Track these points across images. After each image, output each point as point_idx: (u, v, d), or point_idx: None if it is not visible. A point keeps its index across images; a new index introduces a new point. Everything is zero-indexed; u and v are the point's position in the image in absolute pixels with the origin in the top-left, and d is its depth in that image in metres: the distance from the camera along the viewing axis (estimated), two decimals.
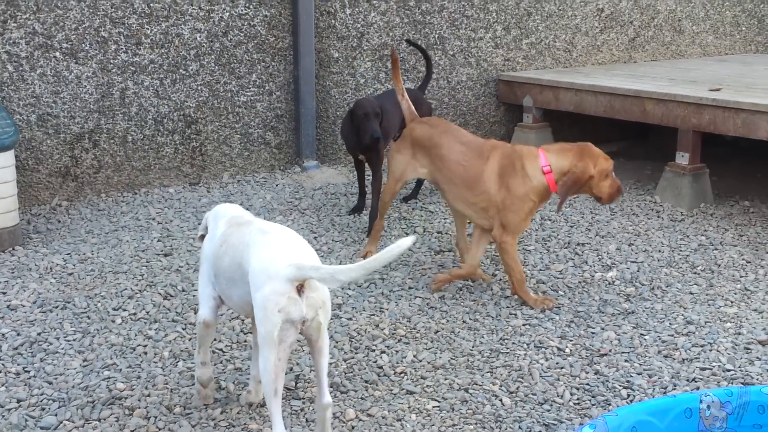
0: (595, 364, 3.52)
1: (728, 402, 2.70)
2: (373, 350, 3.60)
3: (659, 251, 4.77)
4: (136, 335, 3.70)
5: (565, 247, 4.82)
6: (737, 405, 2.70)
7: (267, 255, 2.70)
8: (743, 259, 4.64)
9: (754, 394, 2.71)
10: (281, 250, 2.70)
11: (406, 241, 2.60)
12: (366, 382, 3.35)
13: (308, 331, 2.71)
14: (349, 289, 4.19)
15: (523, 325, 3.88)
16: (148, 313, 3.91)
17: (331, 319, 3.86)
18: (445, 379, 3.38)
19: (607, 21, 7.36)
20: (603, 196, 3.97)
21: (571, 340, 3.73)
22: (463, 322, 3.90)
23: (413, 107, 4.45)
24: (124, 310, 3.94)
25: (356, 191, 5.57)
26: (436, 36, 6.59)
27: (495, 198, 3.99)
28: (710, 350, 3.61)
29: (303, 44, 5.95)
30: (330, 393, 2.80)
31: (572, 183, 3.91)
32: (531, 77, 6.69)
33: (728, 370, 3.44)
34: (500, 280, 4.34)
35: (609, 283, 4.34)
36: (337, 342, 3.65)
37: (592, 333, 3.79)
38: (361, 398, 3.24)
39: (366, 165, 5.20)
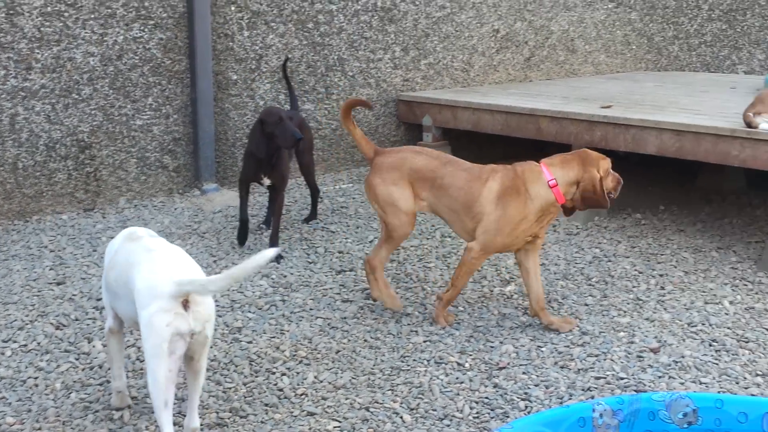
0: (494, 377, 3.56)
1: (620, 410, 2.76)
2: (274, 373, 3.57)
3: (555, 264, 4.87)
4: (26, 367, 3.59)
5: None
6: (628, 412, 2.76)
7: (151, 274, 2.76)
8: (635, 270, 4.76)
9: (645, 401, 2.78)
10: (164, 268, 2.77)
11: (269, 253, 2.70)
12: (266, 405, 3.32)
13: (193, 346, 2.77)
14: (250, 311, 4.15)
15: (424, 341, 3.90)
16: (39, 344, 3.79)
17: (231, 342, 3.82)
18: (346, 399, 3.37)
19: (502, 41, 7.51)
20: (612, 192, 3.95)
21: (470, 355, 3.76)
22: (365, 341, 3.90)
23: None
24: (14, 341, 3.81)
25: (258, 213, 5.53)
26: (336, 57, 6.61)
27: (488, 218, 3.89)
28: (604, 359, 3.69)
29: (200, 67, 5.90)
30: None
31: (589, 194, 3.88)
32: (430, 97, 6.77)
33: (621, 378, 3.52)
34: (408, 299, 4.36)
35: (507, 298, 4.40)
36: (236, 366, 3.61)
37: (491, 347, 3.84)
38: (261, 422, 3.20)
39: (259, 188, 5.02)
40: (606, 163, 3.95)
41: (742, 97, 6.06)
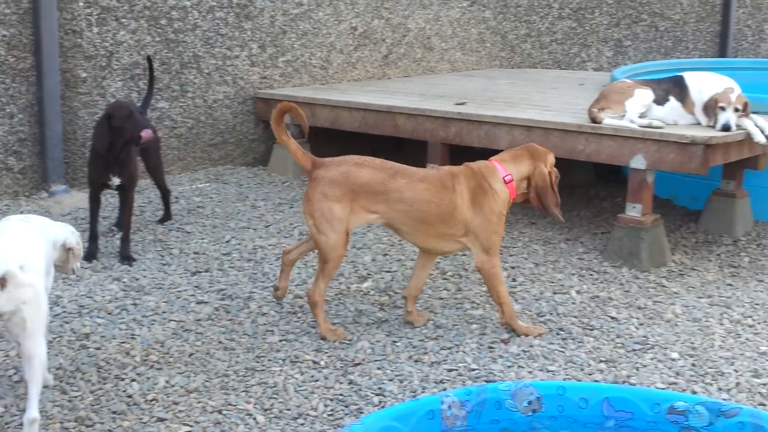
0: (349, 374, 3.57)
1: (467, 401, 2.80)
2: (123, 379, 3.48)
3: (412, 260, 4.91)
4: None
5: None
6: (476, 403, 2.81)
7: None
8: None
9: (491, 391, 2.84)
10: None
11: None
12: (114, 413, 3.22)
13: (13, 328, 2.78)
14: (99, 317, 4.03)
15: (280, 341, 3.87)
16: None
17: (78, 349, 3.70)
18: (198, 403, 3.32)
19: (360, 39, 7.54)
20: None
21: (326, 353, 3.76)
22: (219, 342, 3.84)
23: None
24: None
25: (110, 215, 5.38)
26: (191, 54, 6.50)
27: (473, 224, 3.84)
28: (457, 352, 3.75)
29: (46, 64, 5.69)
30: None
31: (542, 190, 3.89)
32: (288, 94, 6.73)
33: (473, 370, 3.59)
34: (265, 298, 4.32)
35: (364, 294, 4.43)
36: (83, 373, 3.50)
37: (347, 344, 3.85)
38: (108, 430, 3.11)
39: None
40: (551, 157, 3.99)
41: (590, 94, 6.27)
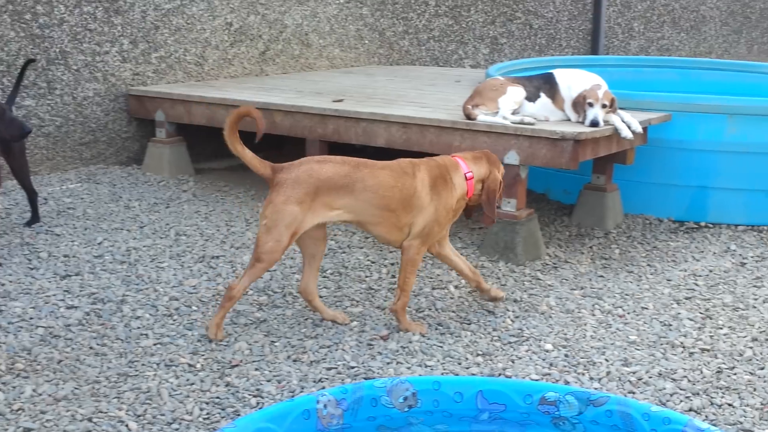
0: (226, 376, 3.51)
1: (343, 399, 2.79)
2: None
3: (291, 258, 4.88)
4: None
5: (200, 261, 4.78)
6: (352, 401, 2.80)
7: None
8: (368, 260, 4.87)
9: (367, 388, 2.84)
10: None
11: None
12: None
13: None
14: None
15: (155, 344, 3.78)
16: None
17: None
18: (68, 411, 3.20)
19: (236, 35, 7.44)
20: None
21: (203, 355, 3.69)
22: (90, 348, 3.72)
23: None
24: None
25: None
26: (57, 50, 6.28)
27: (427, 210, 3.85)
28: (336, 350, 3.73)
29: None
30: None
31: (494, 191, 3.97)
32: (162, 91, 6.59)
33: (352, 368, 3.58)
34: (139, 301, 4.20)
35: (243, 294, 4.36)
36: None
37: (225, 345, 3.78)
38: None
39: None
40: (502, 168, 4.11)
41: (466, 90, 6.34)
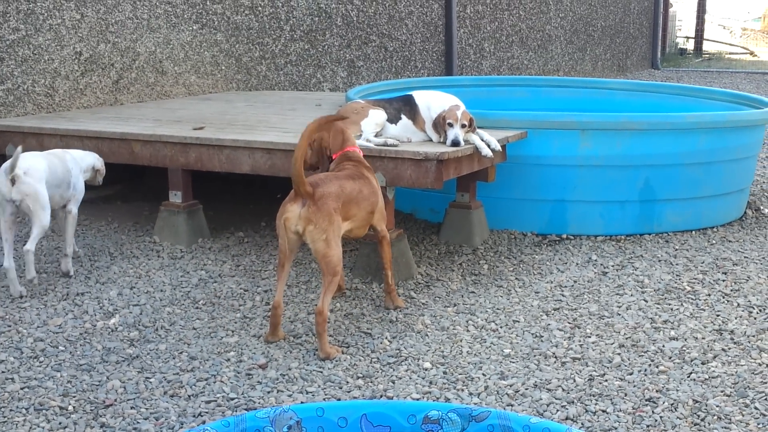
0: (100, 416, 3.39)
1: None
2: None
3: (161, 291, 4.77)
4: None
5: (64, 299, 4.61)
6: None
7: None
8: (241, 288, 4.81)
9: (250, 420, 2.78)
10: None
11: None
12: None
13: (25, 211, 4.65)
14: None
15: (22, 389, 3.61)
16: None
17: None
18: None
19: (87, 64, 7.23)
20: None
21: (74, 396, 3.55)
22: None
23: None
24: None
25: None
26: None
27: (381, 204, 4.42)
28: (214, 382, 3.67)
29: None
30: None
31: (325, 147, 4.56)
32: (11, 125, 6.32)
33: (232, 399, 3.52)
34: (1, 344, 4.00)
35: (112, 330, 4.23)
36: None
37: (97, 385, 3.65)
38: None
39: None
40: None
41: (327, 113, 6.37)
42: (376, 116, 5.18)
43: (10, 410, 3.43)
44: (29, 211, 4.65)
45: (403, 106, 5.32)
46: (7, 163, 4.60)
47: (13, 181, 4.56)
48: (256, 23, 8.82)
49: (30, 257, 4.67)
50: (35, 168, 4.67)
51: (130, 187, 7.13)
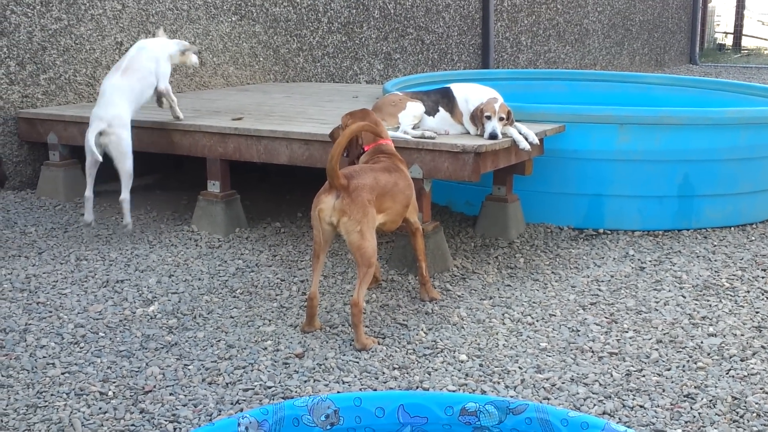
0: (140, 402, 3.43)
1: (265, 420, 2.75)
2: None
3: (199, 279, 4.81)
4: None
5: (104, 286, 4.67)
6: (273, 422, 2.77)
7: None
8: (278, 278, 4.84)
9: (288, 408, 2.80)
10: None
11: None
12: None
13: (107, 148, 5.32)
14: None
15: (62, 373, 3.66)
16: None
17: None
18: None
19: None
20: None
21: (114, 382, 3.60)
22: None
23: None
24: None
25: None
26: None
27: (414, 198, 4.42)
28: (251, 370, 3.70)
29: None
30: None
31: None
32: (53, 113, 6.41)
33: (269, 387, 3.55)
34: (43, 330, 4.06)
35: (151, 318, 4.28)
36: None
37: (136, 371, 3.70)
38: None
39: None
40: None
41: (364, 106, 6.38)
42: (414, 108, 5.18)
43: (51, 395, 3.48)
44: (113, 158, 5.30)
45: (440, 99, 5.32)
46: (95, 110, 5.31)
47: (101, 133, 5.23)
48: (294, 15, 8.85)
49: (125, 205, 5.37)
50: (118, 116, 5.29)
51: (169, 176, 7.20)
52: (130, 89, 5.44)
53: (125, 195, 5.37)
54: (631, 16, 15.67)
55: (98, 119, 5.27)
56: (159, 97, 5.75)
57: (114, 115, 5.29)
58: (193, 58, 5.92)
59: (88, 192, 5.48)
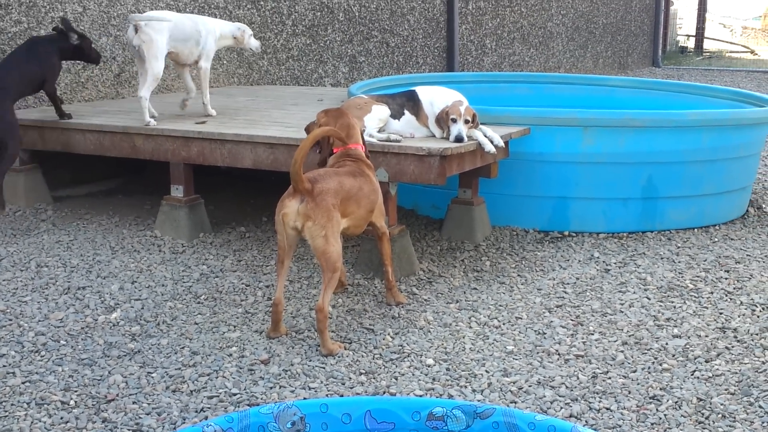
0: (102, 411, 3.38)
1: (230, 428, 2.71)
2: None
3: (163, 285, 4.75)
4: None
5: (65, 293, 4.60)
6: (239, 429, 2.72)
7: None
8: (243, 284, 4.80)
9: (254, 415, 2.77)
10: None
11: None
12: None
13: (142, 57, 5.61)
14: None
15: (23, 383, 3.60)
16: None
17: None
18: None
19: None
20: None
21: (76, 391, 3.54)
22: None
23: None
24: None
25: None
26: None
27: (379, 201, 4.38)
28: (216, 377, 3.65)
29: None
30: None
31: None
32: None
33: (234, 394, 3.51)
34: (2, 338, 3.99)
35: (113, 325, 4.22)
36: None
37: (98, 380, 3.64)
38: None
39: None
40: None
41: (328, 108, 6.35)
42: (380, 112, 5.16)
43: (12, 404, 3.42)
44: (144, 57, 5.54)
45: (406, 102, 5.30)
46: (134, 15, 5.68)
47: (136, 30, 5.48)
48: (258, 18, 8.80)
49: (143, 103, 5.65)
50: (157, 20, 5.61)
51: (131, 180, 7.12)
52: (173, 28, 5.72)
53: (142, 93, 5.64)
54: (595, 19, 15.79)
55: (139, 18, 5.59)
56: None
57: (152, 22, 5.58)
58: (253, 42, 6.20)
59: (141, 93, 5.73)
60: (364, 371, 3.73)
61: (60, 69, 6.15)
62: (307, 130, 4.59)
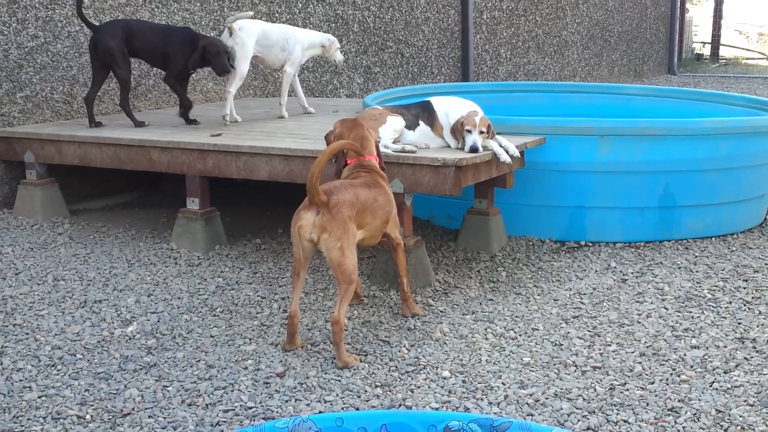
0: (118, 426, 3.38)
1: None
2: None
3: (179, 298, 4.76)
4: None
5: (82, 307, 4.61)
6: None
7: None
8: (258, 296, 4.80)
9: (269, 429, 2.75)
10: None
11: None
12: None
13: (233, 57, 6.20)
14: None
15: (39, 397, 3.60)
16: None
17: None
18: None
19: None
20: None
21: (92, 405, 3.54)
22: None
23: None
24: None
25: None
26: None
27: (394, 212, 4.38)
28: (232, 391, 3.65)
29: None
30: None
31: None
32: (30, 132, 6.34)
33: (250, 408, 3.50)
34: (20, 352, 4.00)
35: (129, 338, 4.22)
36: None
37: (114, 394, 3.64)
38: None
39: None
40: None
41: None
42: (394, 123, 5.16)
43: (28, 419, 3.42)
44: (234, 58, 6.20)
45: (421, 113, 5.30)
46: (231, 18, 6.23)
47: (230, 33, 6.13)
48: None
49: (229, 97, 6.32)
50: (249, 26, 6.26)
51: (148, 193, 7.15)
52: (261, 35, 6.36)
53: (230, 88, 6.31)
54: (610, 27, 15.75)
55: (234, 21, 6.20)
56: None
57: (245, 27, 6.23)
58: (338, 55, 6.76)
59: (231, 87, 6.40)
60: (379, 384, 3.71)
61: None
62: (327, 139, 4.60)
